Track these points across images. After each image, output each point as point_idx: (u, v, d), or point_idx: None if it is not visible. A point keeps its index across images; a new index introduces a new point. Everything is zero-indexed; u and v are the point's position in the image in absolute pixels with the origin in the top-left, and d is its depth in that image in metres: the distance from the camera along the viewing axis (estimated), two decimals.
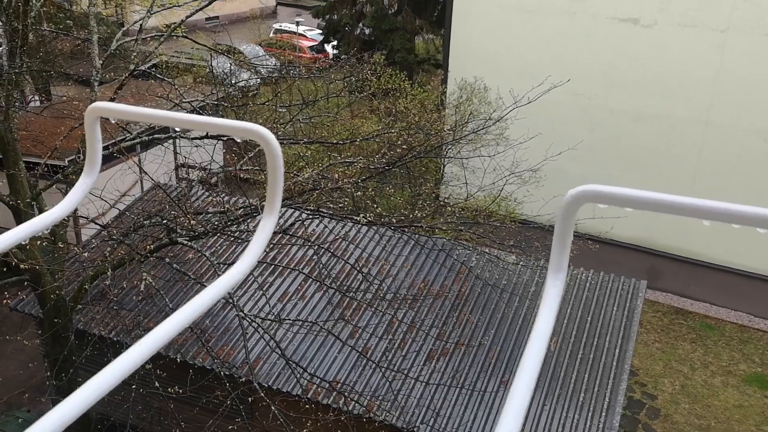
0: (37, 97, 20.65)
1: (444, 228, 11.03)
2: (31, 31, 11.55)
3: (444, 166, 16.46)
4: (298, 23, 32.23)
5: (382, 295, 11.49)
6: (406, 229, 11.05)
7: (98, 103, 1.27)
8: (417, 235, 12.28)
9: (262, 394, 9.55)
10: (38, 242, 10.36)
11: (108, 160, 11.02)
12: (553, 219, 1.04)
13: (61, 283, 10.70)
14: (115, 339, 11.10)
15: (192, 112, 11.08)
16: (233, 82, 13.09)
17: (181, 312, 0.96)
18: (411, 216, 10.30)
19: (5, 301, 11.12)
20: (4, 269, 9.94)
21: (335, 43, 28.35)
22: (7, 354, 13.54)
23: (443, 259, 12.55)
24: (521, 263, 12.70)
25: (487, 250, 12.38)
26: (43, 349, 12.08)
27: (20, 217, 10.77)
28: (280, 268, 11.58)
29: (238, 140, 1.25)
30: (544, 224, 14.57)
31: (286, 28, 34.21)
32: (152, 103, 12.92)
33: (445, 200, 13.72)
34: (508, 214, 14.14)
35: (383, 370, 10.26)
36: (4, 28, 11.01)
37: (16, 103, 11.31)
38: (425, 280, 12.26)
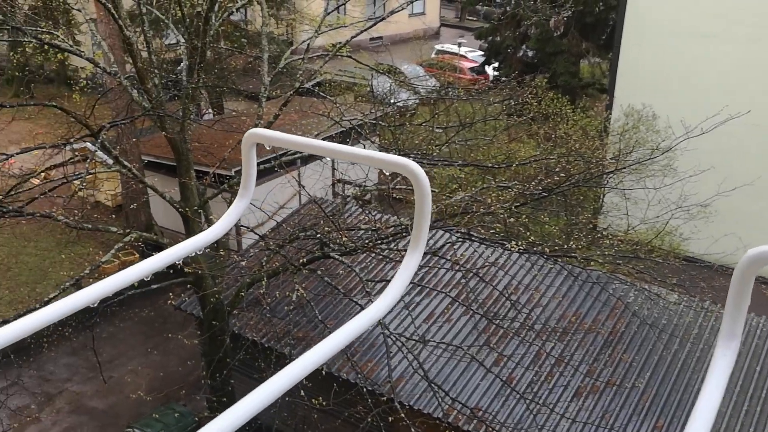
0: (210, 111, 22.09)
1: (600, 260, 10.48)
2: (209, 49, 12.33)
3: (603, 196, 15.73)
4: (460, 44, 32.32)
5: (530, 324, 11.10)
6: (559, 259, 10.61)
7: (255, 130, 1.28)
8: (570, 266, 11.77)
9: (402, 414, 9.49)
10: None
11: (269, 172, 11.49)
12: (723, 258, 0.87)
13: (221, 288, 11.24)
14: (266, 345, 11.49)
15: (351, 130, 11.33)
16: (392, 101, 13.27)
17: (325, 343, 0.99)
18: (565, 245, 9.87)
19: (168, 301, 11.85)
20: (170, 271, 10.58)
21: (496, 64, 28.13)
22: (168, 350, 14.45)
23: (598, 293, 11.95)
24: (684, 303, 11.82)
25: (646, 287, 11.63)
26: (201, 348, 12.74)
27: (188, 223, 11.47)
28: (428, 289, 11.50)
29: (387, 173, 1.18)
30: (712, 263, 13.49)
31: (448, 49, 34.41)
32: (314, 120, 13.38)
33: (603, 231, 13.06)
34: (672, 250, 13.23)
35: (527, 402, 9.88)
36: (186, 46, 11.84)
37: (191, 116, 12.08)
38: (577, 312, 11.71)
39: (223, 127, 14.12)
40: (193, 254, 1.28)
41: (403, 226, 9.49)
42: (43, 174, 11.89)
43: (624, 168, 12.91)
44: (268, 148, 1.29)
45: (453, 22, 45.94)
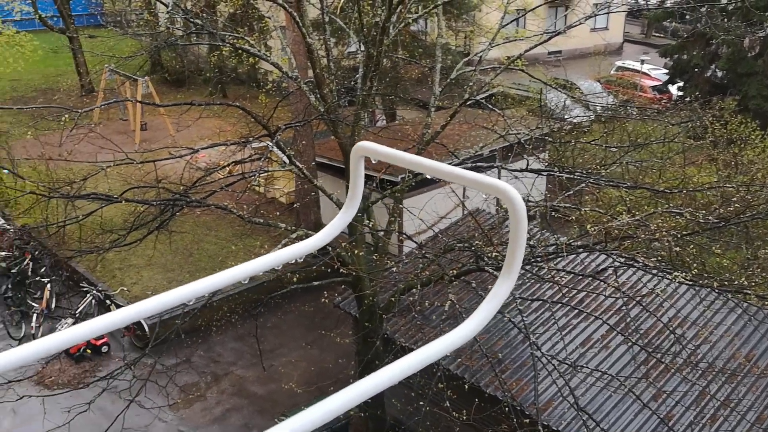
0: (383, 118, 22.71)
1: None
2: (384, 58, 12.69)
3: None
4: (642, 61, 30.86)
5: (695, 361, 10.34)
6: (732, 295, 9.79)
7: (363, 143, 1.28)
8: (745, 303, 10.83)
9: None
10: (362, 251, 11.28)
11: (431, 182, 11.60)
12: None
13: (376, 291, 11.50)
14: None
15: (517, 144, 11.18)
16: (564, 117, 12.92)
17: (411, 356, 1.03)
18: (739, 281, 9.09)
19: (323, 299, 12.30)
20: (328, 270, 10.99)
21: (681, 84, 26.54)
22: (324, 346, 15.00)
23: None
24: None
25: None
26: (355, 347, 13.11)
27: (352, 225, 11.86)
28: (585, 313, 11.07)
29: (484, 195, 1.16)
30: None
31: (630, 66, 32.98)
32: (482, 131, 13.31)
33: None
34: None
35: None
36: (362, 54, 12.26)
37: (363, 122, 12.48)
38: (749, 354, 10.75)
39: (390, 135, 14.46)
40: (294, 260, 1.32)
41: (560, 246, 9.20)
42: (227, 168, 12.80)
43: None
44: (374, 162, 1.30)
45: (637, 38, 43.95)
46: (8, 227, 17.47)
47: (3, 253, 16.63)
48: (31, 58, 26.11)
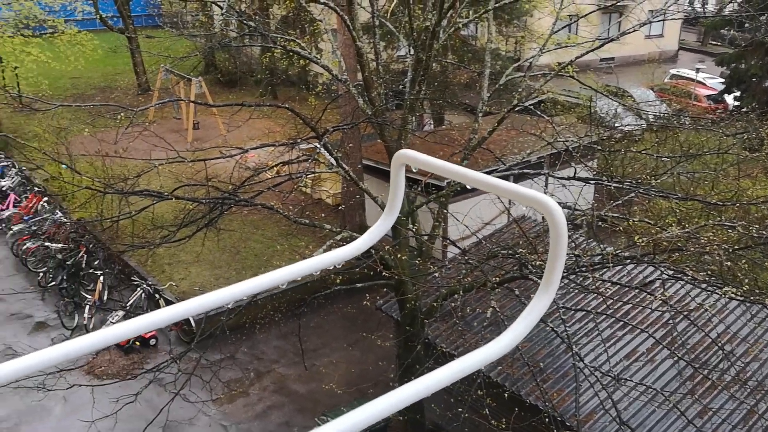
0: (431, 122, 22.71)
1: None
2: (433, 62, 12.70)
3: None
4: (698, 70, 30.19)
5: (743, 379, 10.07)
6: None
7: (405, 151, 1.28)
8: None
9: None
10: (405, 256, 11.31)
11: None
12: None
13: (419, 295, 11.52)
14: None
15: (565, 151, 11.07)
16: (615, 125, 12.74)
17: (447, 368, 1.03)
18: None
19: (365, 302, 12.36)
20: (371, 273, 11.05)
21: (737, 94, 25.87)
22: (366, 348, 15.07)
23: None
24: None
25: None
26: (396, 351, 13.14)
27: (396, 229, 11.89)
28: (630, 325, 10.89)
29: (523, 207, 1.17)
30: None
31: (684, 74, 32.29)
32: (530, 138, 13.22)
33: None
34: None
35: None
36: (411, 58, 12.30)
37: (410, 126, 12.52)
38: None
39: (436, 139, 14.46)
40: (332, 267, 1.34)
41: (606, 257, 9.07)
42: (275, 169, 12.98)
43: None
44: (414, 170, 1.31)
45: (693, 46, 43.02)
46: (65, 220, 18.00)
47: (59, 245, 17.15)
48: (92, 56, 26.87)
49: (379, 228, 1.37)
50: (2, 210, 19.42)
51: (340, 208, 17.69)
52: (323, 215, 18.18)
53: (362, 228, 17.88)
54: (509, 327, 1.08)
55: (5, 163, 21.73)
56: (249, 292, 1.24)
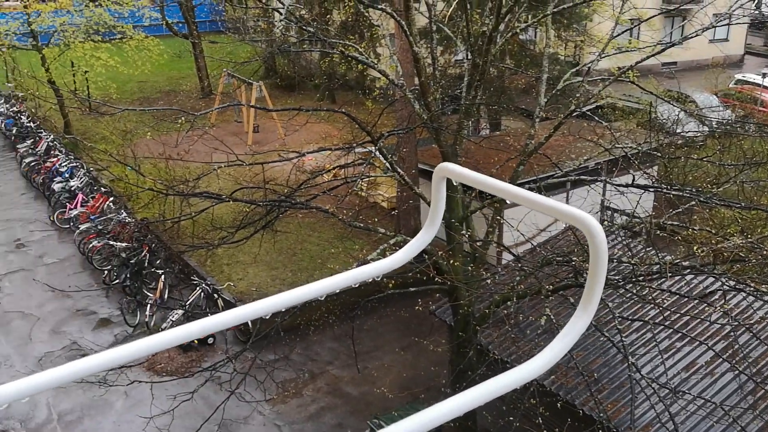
0: (487, 126, 22.60)
1: None
2: (490, 67, 12.66)
3: None
4: (764, 75, 29.21)
5: None
6: None
7: (446, 165, 1.29)
8: None
9: None
10: (459, 262, 11.30)
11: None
12: None
13: (472, 301, 11.48)
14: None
15: (623, 158, 10.88)
16: (676, 131, 12.47)
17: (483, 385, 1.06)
18: None
19: (417, 307, 12.39)
20: (424, 278, 11.07)
21: None
22: (418, 352, 15.09)
23: None
24: None
25: None
26: (449, 356, 13.12)
27: (450, 234, 11.89)
28: (689, 337, 10.63)
29: (564, 224, 1.18)
30: None
31: (750, 79, 31.29)
32: (587, 143, 13.03)
33: None
34: None
35: None
36: (468, 63, 12.30)
37: (466, 131, 12.51)
38: None
39: (492, 144, 14.39)
40: (371, 279, 1.36)
41: (664, 266, 8.88)
42: (332, 172, 13.14)
43: None
44: (455, 184, 1.33)
45: (760, 51, 41.65)
46: (129, 220, 18.58)
47: (123, 244, 17.71)
48: (157, 61, 27.66)
49: (420, 240, 1.37)
50: (71, 209, 20.16)
51: (394, 212, 17.76)
52: (378, 219, 18.28)
53: (416, 232, 17.84)
54: (547, 346, 1.08)
55: (74, 164, 22.55)
56: (289, 303, 1.27)
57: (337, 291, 1.32)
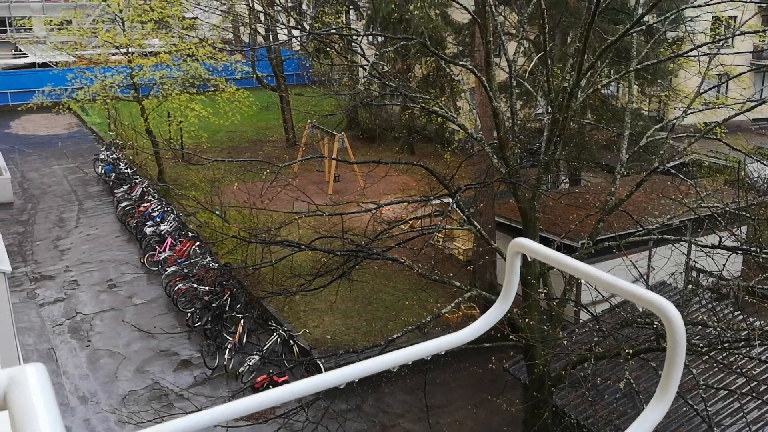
0: (566, 180, 22.30)
1: None
2: (571, 121, 12.59)
3: None
4: None
5: None
6: None
7: (520, 240, 1.28)
8: None
9: None
10: (535, 320, 11.10)
11: (611, 250, 11.20)
12: None
13: (548, 360, 11.22)
14: (586, 428, 11.10)
15: (709, 217, 10.54)
16: (767, 191, 12.00)
17: None
18: None
19: (491, 365, 12.18)
20: (498, 334, 10.92)
21: None
22: (492, 409, 14.78)
23: None
24: None
25: None
26: (523, 416, 12.80)
27: (527, 290, 11.72)
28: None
29: (640, 308, 1.15)
30: None
31: None
32: (672, 202, 12.68)
33: None
34: None
35: None
36: (548, 118, 12.28)
37: (544, 186, 12.41)
38: None
39: (570, 201, 14.20)
40: (444, 351, 1.34)
41: (754, 331, 8.47)
42: (409, 223, 13.26)
43: None
44: (530, 260, 1.32)
45: None
46: (214, 265, 19.17)
47: (207, 288, 18.25)
48: (247, 112, 28.80)
49: (492, 315, 1.34)
50: (160, 252, 20.97)
51: (470, 266, 17.64)
52: (453, 272, 18.21)
53: (492, 286, 17.71)
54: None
55: (166, 209, 23.55)
56: (363, 373, 1.25)
57: (410, 363, 1.29)
